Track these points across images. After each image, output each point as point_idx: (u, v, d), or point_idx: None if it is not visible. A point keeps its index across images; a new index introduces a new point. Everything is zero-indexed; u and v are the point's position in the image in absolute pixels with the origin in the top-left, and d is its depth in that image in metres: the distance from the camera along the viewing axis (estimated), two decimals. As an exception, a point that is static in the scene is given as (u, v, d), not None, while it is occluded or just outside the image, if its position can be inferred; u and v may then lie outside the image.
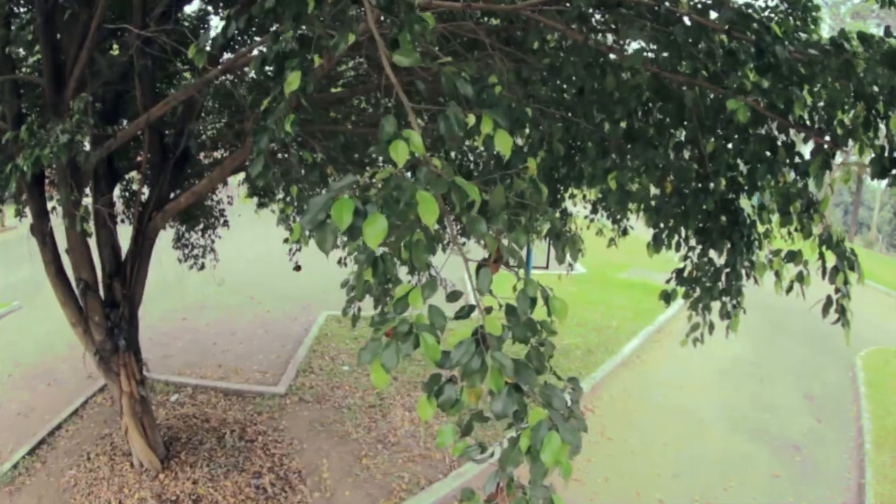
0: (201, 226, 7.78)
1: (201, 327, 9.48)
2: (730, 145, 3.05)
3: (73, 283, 5.05)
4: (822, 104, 2.97)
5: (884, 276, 13.82)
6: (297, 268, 6.25)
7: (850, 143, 2.98)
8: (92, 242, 5.09)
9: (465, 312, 1.62)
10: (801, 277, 2.96)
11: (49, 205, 5.08)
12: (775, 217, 3.35)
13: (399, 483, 5.95)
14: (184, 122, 4.92)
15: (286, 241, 6.10)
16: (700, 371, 8.53)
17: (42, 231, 4.93)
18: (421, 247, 1.46)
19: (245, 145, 4.67)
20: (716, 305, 3.49)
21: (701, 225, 3.16)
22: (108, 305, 5.09)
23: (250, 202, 7.75)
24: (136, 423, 5.40)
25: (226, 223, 7.89)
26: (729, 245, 3.22)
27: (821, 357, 9.23)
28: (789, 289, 3.02)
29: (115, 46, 5.37)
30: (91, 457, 5.94)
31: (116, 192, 6.80)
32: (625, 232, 5.16)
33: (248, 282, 11.52)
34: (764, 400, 7.83)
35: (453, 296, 1.64)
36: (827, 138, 2.93)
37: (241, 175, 7.43)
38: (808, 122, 2.95)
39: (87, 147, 4.30)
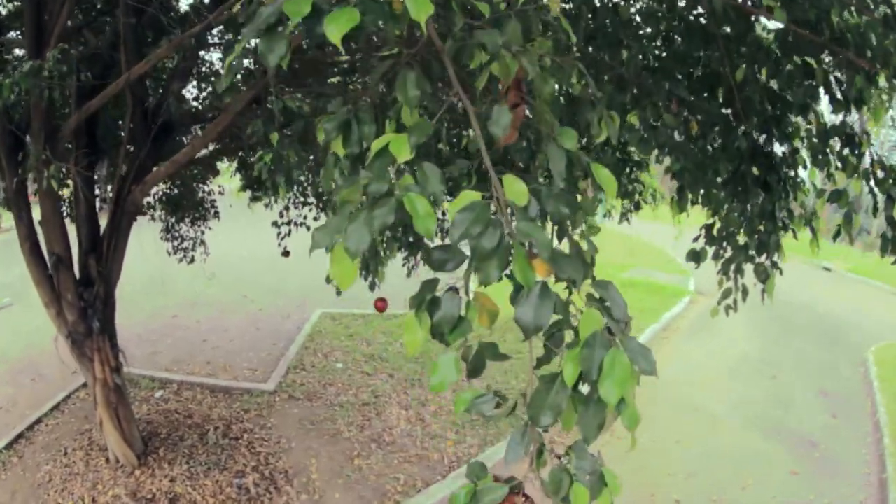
0: (190, 217, 7.29)
1: (192, 324, 8.93)
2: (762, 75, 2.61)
3: (47, 259, 4.58)
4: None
5: (889, 275, 13.60)
6: (286, 253, 5.75)
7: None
8: (73, 233, 4.68)
9: (471, 191, 1.13)
10: (849, 219, 2.49)
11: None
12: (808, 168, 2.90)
13: (394, 485, 5.37)
14: (168, 87, 4.49)
15: (275, 223, 5.64)
16: (709, 368, 8.02)
17: (18, 205, 4.49)
18: (409, 80, 0.98)
19: (227, 109, 4.24)
20: (749, 268, 3.01)
21: (732, 169, 2.69)
22: (82, 284, 4.60)
23: (244, 196, 7.29)
24: (111, 414, 4.85)
25: (216, 214, 7.40)
26: (763, 196, 2.75)
27: (831, 353, 8.74)
28: (836, 234, 2.56)
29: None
30: (68, 452, 5.42)
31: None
32: (637, 207, 4.68)
33: (241, 279, 11.00)
34: (777, 396, 7.31)
35: (457, 163, 1.15)
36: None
37: (235, 165, 7.01)
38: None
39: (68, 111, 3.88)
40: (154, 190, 7.27)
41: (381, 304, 3.32)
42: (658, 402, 7.13)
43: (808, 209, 3.00)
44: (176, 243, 7.42)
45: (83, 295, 4.58)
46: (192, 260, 7.46)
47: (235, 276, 11.00)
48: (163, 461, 5.17)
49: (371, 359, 7.76)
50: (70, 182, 4.96)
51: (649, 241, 13.92)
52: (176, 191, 7.09)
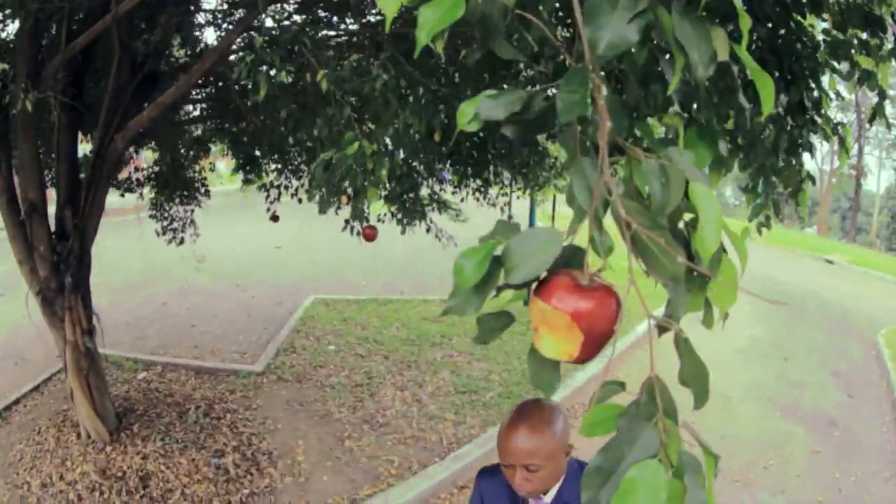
0: (178, 196, 6.95)
1: (181, 311, 8.52)
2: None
3: (21, 208, 4.22)
4: None
5: (891, 268, 13.51)
6: (275, 218, 5.39)
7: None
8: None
9: None
10: (882, 97, 2.16)
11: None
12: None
13: (387, 467, 4.89)
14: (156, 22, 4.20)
15: (263, 186, 5.29)
16: (720, 352, 7.61)
17: None
18: None
19: (215, 49, 3.96)
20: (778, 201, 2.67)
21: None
22: (57, 237, 4.23)
23: (236, 180, 6.96)
24: (82, 381, 4.40)
25: (207, 193, 7.06)
26: (788, 93, 2.42)
27: (841, 337, 8.39)
28: (871, 118, 2.23)
29: None
30: (41, 430, 4.98)
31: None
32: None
33: (234, 270, 10.62)
34: (791, 378, 6.90)
35: None
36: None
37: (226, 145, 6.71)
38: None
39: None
40: (144, 166, 6.98)
41: (369, 232, 2.95)
42: (669, 385, 6.72)
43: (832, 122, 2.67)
44: (165, 223, 7.07)
45: (56, 248, 4.21)
46: (182, 241, 7.09)
47: (228, 267, 10.62)
48: (136, 437, 4.70)
49: (365, 341, 7.33)
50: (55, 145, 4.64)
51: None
52: (164, 168, 6.77)
